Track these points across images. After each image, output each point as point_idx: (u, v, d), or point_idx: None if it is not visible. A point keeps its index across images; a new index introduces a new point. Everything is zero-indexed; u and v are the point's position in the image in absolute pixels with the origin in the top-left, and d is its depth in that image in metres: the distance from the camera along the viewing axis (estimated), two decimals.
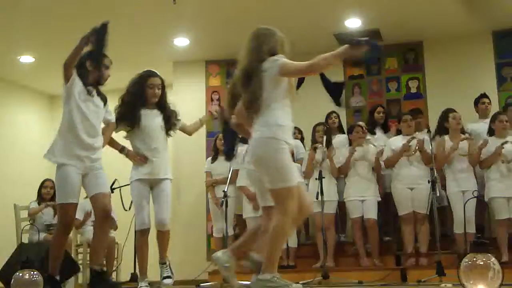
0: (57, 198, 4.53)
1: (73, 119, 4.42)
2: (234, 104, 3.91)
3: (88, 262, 6.82)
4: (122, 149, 4.91)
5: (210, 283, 6.07)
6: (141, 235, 4.80)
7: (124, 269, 7.19)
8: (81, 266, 6.57)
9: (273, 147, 3.46)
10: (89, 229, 6.96)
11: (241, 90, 3.71)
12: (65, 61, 4.28)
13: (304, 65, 3.47)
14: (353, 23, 7.31)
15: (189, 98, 8.42)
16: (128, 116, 4.80)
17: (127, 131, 4.90)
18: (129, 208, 5.90)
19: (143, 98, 4.82)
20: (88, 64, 4.47)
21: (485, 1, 6.77)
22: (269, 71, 3.56)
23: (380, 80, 8.04)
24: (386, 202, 6.56)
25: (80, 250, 7.14)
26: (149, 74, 4.93)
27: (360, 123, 6.78)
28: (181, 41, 7.71)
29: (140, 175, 4.79)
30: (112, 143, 4.92)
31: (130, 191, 4.89)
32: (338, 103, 3.94)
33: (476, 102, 6.81)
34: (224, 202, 6.11)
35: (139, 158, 4.81)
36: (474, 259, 2.67)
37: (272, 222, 3.46)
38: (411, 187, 6.17)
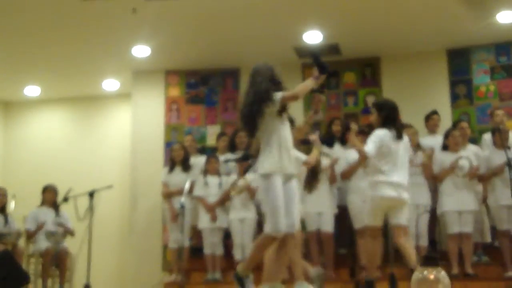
0: None
1: None
2: None
3: (41, 273, 6.70)
4: None
5: None
6: None
7: (78, 280, 7.05)
8: (32, 277, 6.40)
9: None
10: (41, 239, 6.82)
11: None
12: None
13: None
14: (313, 36, 7.40)
15: (148, 108, 8.38)
16: None
17: None
18: (84, 218, 5.80)
19: None
20: None
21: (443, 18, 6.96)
22: None
23: (338, 94, 8.15)
24: (342, 215, 6.62)
25: (32, 260, 6.96)
26: None
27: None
28: (141, 51, 7.67)
29: None
30: None
31: None
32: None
33: (427, 118, 6.98)
34: (181, 213, 6.07)
35: None
36: (425, 272, 2.72)
37: None
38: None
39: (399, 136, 5.03)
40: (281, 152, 4.07)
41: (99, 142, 9.15)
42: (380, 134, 4.96)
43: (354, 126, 6.47)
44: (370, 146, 4.90)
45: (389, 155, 4.97)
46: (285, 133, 4.15)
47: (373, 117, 5.14)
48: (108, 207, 7.83)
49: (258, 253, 4.18)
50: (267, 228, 4.00)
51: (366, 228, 5.09)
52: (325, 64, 4.12)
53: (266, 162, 4.07)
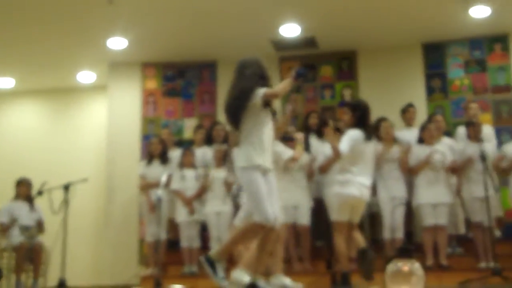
0: None
1: None
2: None
3: (14, 268, 6.62)
4: None
5: (141, 287, 5.97)
6: None
7: (52, 274, 6.99)
8: (6, 272, 6.33)
9: None
10: (15, 234, 6.73)
11: None
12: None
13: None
14: (290, 30, 7.41)
15: (124, 101, 8.32)
16: None
17: None
18: (59, 211, 5.75)
19: None
20: None
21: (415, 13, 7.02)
22: None
23: (315, 87, 8.18)
24: (318, 208, 6.65)
25: (5, 255, 6.87)
26: None
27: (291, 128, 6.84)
28: (118, 42, 7.59)
29: None
30: None
31: None
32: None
33: (403, 111, 7.05)
34: (157, 206, 6.05)
35: None
36: (399, 264, 2.76)
37: None
38: None
39: (369, 137, 5.11)
40: (262, 146, 4.08)
41: (74, 135, 9.05)
42: (354, 135, 5.02)
43: (331, 123, 6.49)
44: (345, 145, 4.95)
45: (359, 156, 5.05)
46: (267, 127, 4.17)
47: (347, 117, 5.18)
48: (84, 201, 7.80)
49: (240, 240, 4.18)
50: (257, 217, 3.99)
51: (334, 224, 5.17)
52: (305, 73, 4.22)
53: (247, 155, 4.07)
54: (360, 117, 5.10)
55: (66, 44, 7.55)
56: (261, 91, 4.05)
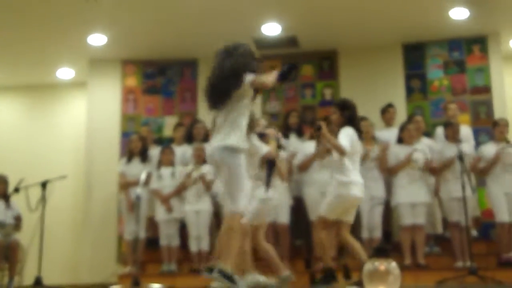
0: None
1: None
2: None
3: None
4: None
5: (119, 286, 5.93)
6: None
7: (29, 273, 6.91)
8: None
9: None
10: None
11: None
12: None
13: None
14: (272, 28, 7.41)
15: (104, 98, 8.25)
16: None
17: None
18: (36, 209, 5.69)
19: None
20: None
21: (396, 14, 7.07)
22: None
23: (296, 86, 8.19)
24: (297, 207, 6.67)
25: None
26: None
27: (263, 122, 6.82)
28: (97, 39, 7.53)
29: None
30: None
31: None
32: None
33: (383, 111, 7.09)
34: (136, 204, 6.01)
35: None
36: (376, 264, 2.77)
37: None
38: (323, 191, 6.29)
39: (360, 136, 5.10)
40: (245, 132, 4.00)
41: (53, 132, 8.96)
42: (351, 133, 4.97)
43: (323, 123, 6.32)
44: (345, 143, 4.89)
45: (355, 154, 5.03)
46: (248, 114, 4.09)
47: (335, 116, 5.13)
48: (62, 198, 7.74)
49: (233, 244, 3.90)
50: (229, 204, 3.89)
51: (320, 219, 5.11)
52: (289, 75, 4.01)
53: (238, 137, 3.92)
54: (350, 115, 5.07)
55: (45, 40, 7.47)
56: (250, 76, 3.90)
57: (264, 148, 5.07)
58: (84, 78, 8.42)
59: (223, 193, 4.09)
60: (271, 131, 5.28)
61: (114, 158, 7.79)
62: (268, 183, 5.05)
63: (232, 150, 3.89)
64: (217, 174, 4.08)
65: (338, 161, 4.99)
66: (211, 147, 4.04)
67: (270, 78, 3.91)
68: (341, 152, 4.88)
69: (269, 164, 5.07)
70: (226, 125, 3.97)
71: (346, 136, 4.93)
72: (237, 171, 3.88)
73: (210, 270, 3.84)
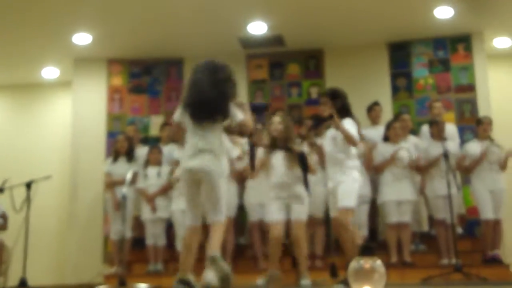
0: None
1: None
2: None
3: None
4: None
5: (105, 286, 5.90)
6: None
7: (13, 274, 6.85)
8: None
9: None
10: None
11: None
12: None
13: None
14: (257, 27, 7.41)
15: (90, 97, 8.21)
16: None
17: None
18: (20, 209, 5.64)
19: None
20: None
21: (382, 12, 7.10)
22: None
23: (282, 85, 8.19)
24: None
25: None
26: None
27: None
28: (83, 38, 7.48)
29: None
30: None
31: None
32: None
33: (369, 109, 7.11)
34: (122, 204, 5.98)
35: None
36: (361, 262, 2.77)
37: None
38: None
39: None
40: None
41: (38, 131, 8.89)
42: (351, 122, 4.85)
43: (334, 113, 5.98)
44: (355, 133, 4.78)
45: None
46: None
47: (328, 106, 4.92)
48: (48, 198, 7.69)
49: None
50: (219, 216, 4.15)
51: (349, 211, 4.84)
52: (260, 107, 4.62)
53: (225, 161, 4.21)
54: (344, 105, 4.90)
55: (30, 40, 7.41)
56: (239, 115, 4.17)
57: (235, 151, 5.39)
58: (69, 78, 8.37)
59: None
60: (239, 140, 5.67)
61: (100, 158, 7.75)
62: (306, 182, 5.19)
63: (223, 174, 4.15)
64: (191, 185, 4.19)
65: (340, 149, 4.84)
66: (201, 166, 4.10)
67: (250, 121, 4.31)
68: (354, 142, 4.78)
69: (301, 161, 5.16)
70: (213, 145, 4.12)
71: (353, 126, 4.81)
72: (222, 189, 4.15)
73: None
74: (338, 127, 4.76)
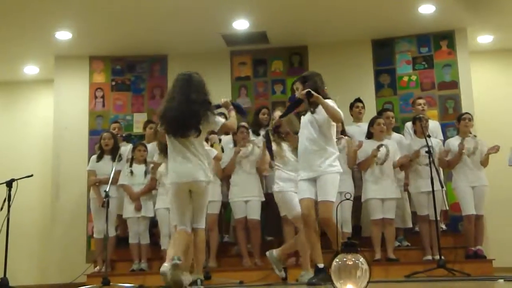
0: None
1: None
2: None
3: None
4: None
5: (88, 286, 5.84)
6: None
7: None
8: None
9: None
10: None
11: None
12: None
13: None
14: (241, 24, 7.39)
15: (72, 95, 8.15)
16: None
17: None
18: (1, 209, 5.56)
19: None
20: None
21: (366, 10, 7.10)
22: None
23: (266, 82, 8.17)
24: (269, 203, 6.64)
25: None
26: None
27: (244, 123, 6.79)
28: (64, 35, 7.40)
29: None
30: None
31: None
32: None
33: (351, 106, 7.09)
34: (106, 202, 5.91)
35: None
36: (344, 259, 2.76)
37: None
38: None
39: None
40: None
41: (19, 129, 8.82)
42: (331, 101, 4.64)
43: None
44: (337, 109, 4.61)
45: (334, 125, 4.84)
46: None
47: (300, 90, 4.72)
48: (30, 197, 7.62)
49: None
50: (202, 224, 4.60)
51: (331, 205, 4.67)
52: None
53: (210, 169, 4.58)
54: (316, 88, 4.62)
55: (10, 37, 7.34)
56: (221, 121, 4.48)
57: (214, 151, 5.70)
58: (51, 75, 8.28)
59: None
60: (214, 136, 5.92)
61: (83, 156, 7.68)
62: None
63: (209, 183, 4.50)
64: (182, 196, 4.45)
65: (321, 133, 4.66)
66: (192, 177, 4.38)
67: (234, 122, 4.71)
68: (338, 118, 4.61)
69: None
70: (198, 154, 4.40)
71: (333, 102, 4.61)
72: (207, 197, 4.58)
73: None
74: (318, 99, 4.50)
